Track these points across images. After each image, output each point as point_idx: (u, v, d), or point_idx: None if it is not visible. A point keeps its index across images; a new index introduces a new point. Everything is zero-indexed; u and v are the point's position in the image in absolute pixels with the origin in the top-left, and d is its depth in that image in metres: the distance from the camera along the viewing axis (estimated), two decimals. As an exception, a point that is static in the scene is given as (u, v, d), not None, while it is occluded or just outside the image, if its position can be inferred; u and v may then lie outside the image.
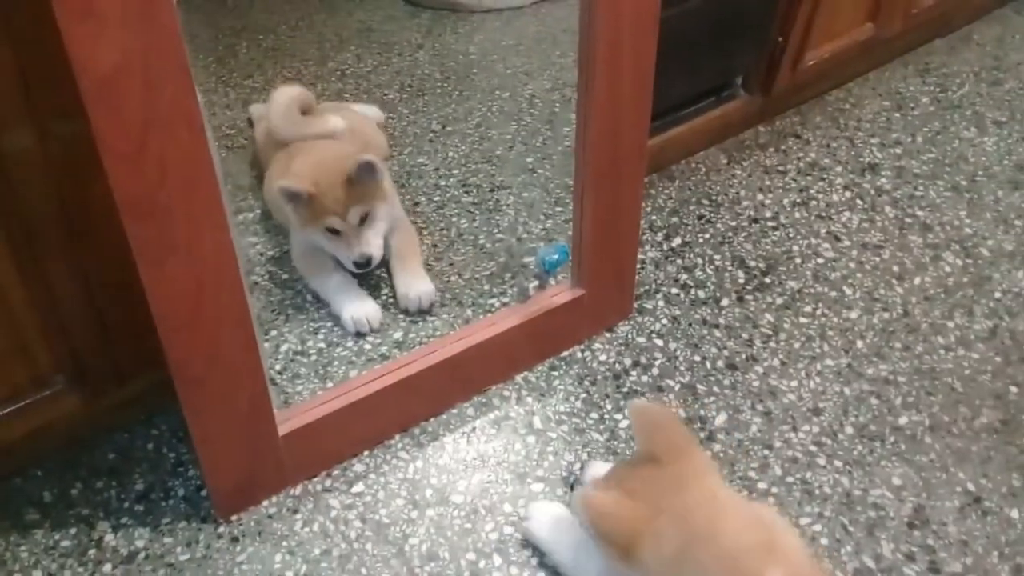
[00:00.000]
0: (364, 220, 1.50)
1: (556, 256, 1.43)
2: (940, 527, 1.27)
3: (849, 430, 1.39)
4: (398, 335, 1.52)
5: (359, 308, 1.51)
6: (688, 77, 1.79)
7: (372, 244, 1.51)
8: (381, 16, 2.50)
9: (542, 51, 2.34)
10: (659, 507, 0.97)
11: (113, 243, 1.03)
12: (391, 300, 1.58)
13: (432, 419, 1.40)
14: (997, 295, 1.63)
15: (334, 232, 1.49)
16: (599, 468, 1.26)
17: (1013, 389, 1.47)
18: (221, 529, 1.25)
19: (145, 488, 1.30)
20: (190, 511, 1.27)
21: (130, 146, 0.92)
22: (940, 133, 2.02)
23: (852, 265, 1.68)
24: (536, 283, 1.46)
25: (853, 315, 1.58)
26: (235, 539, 1.24)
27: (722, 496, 1.00)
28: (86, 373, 1.21)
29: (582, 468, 1.30)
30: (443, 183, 1.85)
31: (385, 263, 1.59)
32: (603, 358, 1.50)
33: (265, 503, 1.28)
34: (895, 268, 1.68)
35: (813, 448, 1.37)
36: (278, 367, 1.46)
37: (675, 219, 1.77)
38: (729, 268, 1.67)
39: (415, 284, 1.54)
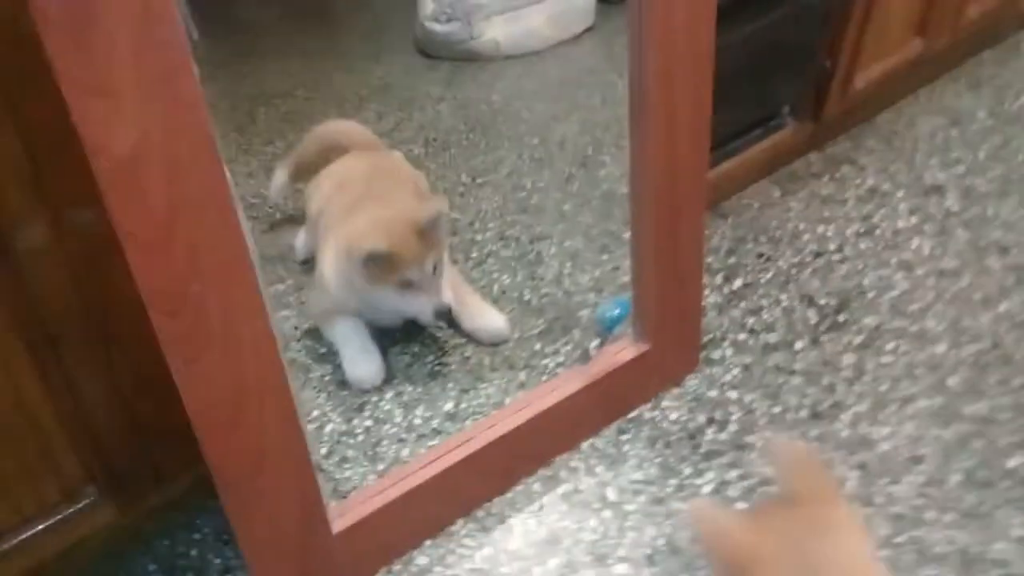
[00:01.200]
0: (435, 269, 1.44)
1: (617, 311, 1.33)
2: (1075, 582, 1.14)
3: (956, 478, 1.26)
4: (449, 406, 1.42)
5: (360, 367, 1.49)
6: (735, 109, 1.70)
7: (446, 293, 1.46)
8: (399, 71, 2.46)
9: (567, 94, 2.28)
10: (786, 543, 0.87)
11: (140, 338, 0.93)
12: (438, 365, 1.49)
13: (496, 498, 1.29)
14: (1092, 315, 1.51)
15: (407, 285, 1.42)
16: None
17: None
18: (276, 642, 1.14)
19: (191, 601, 1.19)
20: (241, 623, 1.16)
21: (156, 233, 0.83)
22: (1002, 147, 1.91)
23: (931, 295, 1.56)
24: (597, 342, 1.36)
25: (940, 349, 1.46)
26: (292, 652, 1.13)
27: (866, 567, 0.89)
28: (120, 480, 1.12)
29: None
30: (479, 237, 1.77)
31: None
32: (674, 416, 1.38)
33: (322, 608, 1.17)
34: (977, 295, 1.56)
35: (919, 501, 1.24)
36: (324, 451, 1.36)
37: (733, 259, 1.67)
38: (798, 308, 1.56)
39: (486, 318, 1.55)
